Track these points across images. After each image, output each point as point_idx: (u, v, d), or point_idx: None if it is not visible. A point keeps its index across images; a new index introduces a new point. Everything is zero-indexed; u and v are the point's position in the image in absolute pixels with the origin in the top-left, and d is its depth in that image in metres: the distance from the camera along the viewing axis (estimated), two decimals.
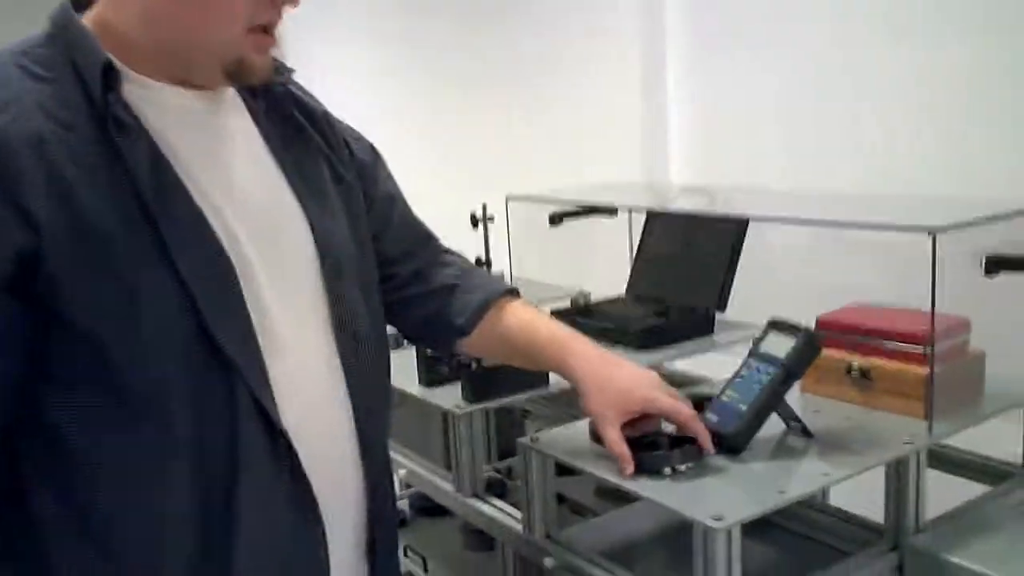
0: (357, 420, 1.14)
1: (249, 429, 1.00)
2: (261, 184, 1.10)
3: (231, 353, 0.98)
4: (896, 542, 1.38)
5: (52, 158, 0.92)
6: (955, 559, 1.30)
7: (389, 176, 1.35)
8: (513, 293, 1.39)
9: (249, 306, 1.02)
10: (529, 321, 1.37)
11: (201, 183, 1.01)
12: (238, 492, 0.99)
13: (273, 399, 1.02)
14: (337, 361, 1.12)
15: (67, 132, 0.94)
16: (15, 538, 0.99)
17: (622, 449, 1.27)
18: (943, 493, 1.52)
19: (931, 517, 1.42)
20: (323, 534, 1.08)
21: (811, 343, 1.35)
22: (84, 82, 0.96)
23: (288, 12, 1.04)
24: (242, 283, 1.01)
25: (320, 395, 1.10)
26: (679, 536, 1.54)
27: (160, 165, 0.98)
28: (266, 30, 1.03)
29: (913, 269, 1.41)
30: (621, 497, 1.93)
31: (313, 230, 1.12)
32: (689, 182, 2.66)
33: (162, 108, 1.01)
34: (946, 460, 1.64)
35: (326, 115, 1.24)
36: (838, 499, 1.64)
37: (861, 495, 1.51)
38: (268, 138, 1.14)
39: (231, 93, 1.11)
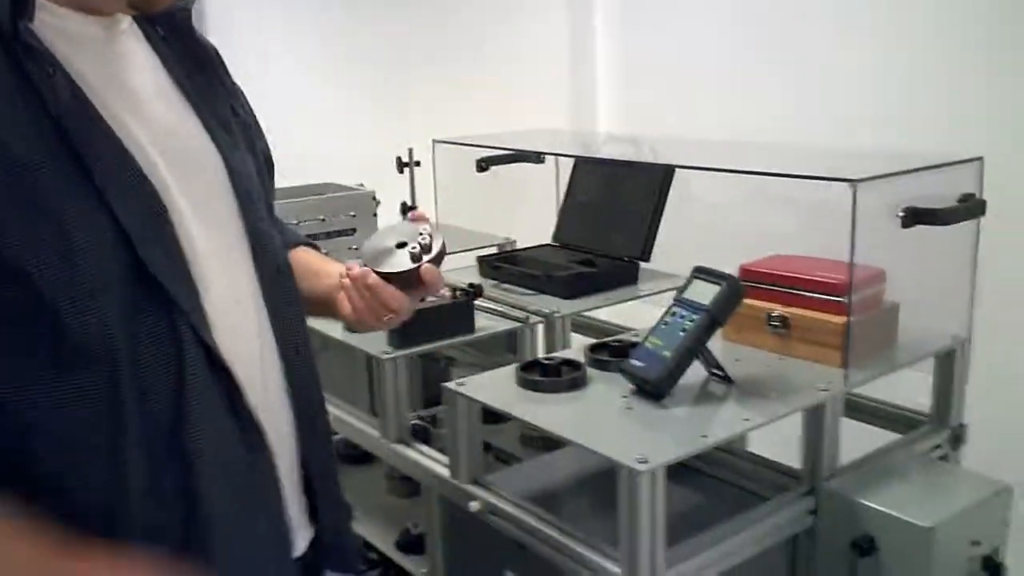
0: (285, 355, 1.12)
1: (195, 366, 0.97)
2: (169, 114, 1.06)
3: (168, 286, 0.95)
4: (812, 486, 1.43)
5: None
6: (867, 502, 1.35)
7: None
8: (311, 245, 1.37)
9: (179, 236, 0.98)
10: (309, 260, 1.32)
11: (115, 112, 0.97)
12: (189, 430, 0.97)
13: (211, 334, 1.00)
14: (260, 294, 1.10)
15: None
16: None
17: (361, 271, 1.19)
18: (856, 441, 1.57)
19: (844, 463, 1.46)
20: (274, 464, 1.07)
21: (735, 290, 1.37)
22: None
23: None
24: (170, 215, 0.98)
25: (250, 329, 1.08)
26: (604, 480, 1.57)
27: (75, 94, 0.94)
28: None
29: (833, 221, 1.44)
30: (546, 446, 1.96)
31: (225, 162, 1.09)
32: (617, 131, 2.66)
33: (67, 36, 0.96)
34: (859, 408, 1.69)
35: (218, 52, 1.21)
36: (756, 446, 1.68)
37: (779, 442, 1.55)
38: (169, 67, 1.10)
39: (128, 20, 1.07)
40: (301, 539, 1.16)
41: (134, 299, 0.94)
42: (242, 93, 1.24)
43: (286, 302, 1.14)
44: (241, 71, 1.27)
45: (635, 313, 1.98)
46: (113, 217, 0.92)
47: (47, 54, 0.93)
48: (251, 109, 1.26)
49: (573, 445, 1.31)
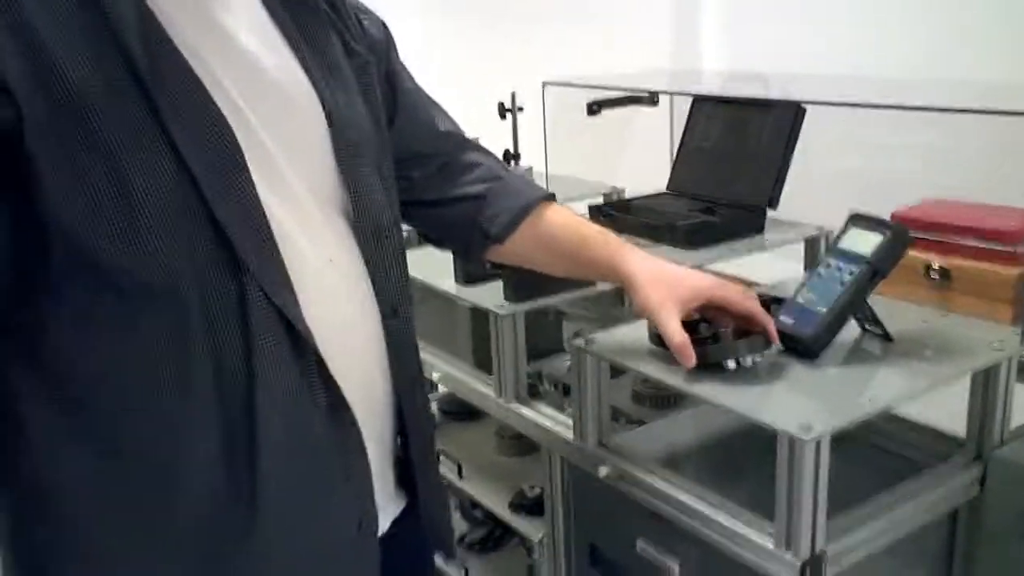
0: (384, 317, 1.03)
1: (265, 329, 0.89)
2: (265, 55, 0.95)
3: (236, 241, 0.86)
4: (979, 453, 1.30)
5: (17, 6, 0.78)
6: None
7: (400, 60, 1.21)
8: (551, 197, 1.28)
9: (259, 188, 0.89)
10: (575, 223, 1.27)
11: (198, 50, 0.87)
12: (258, 395, 0.89)
13: (293, 296, 0.91)
14: (357, 253, 1.01)
15: None
16: (14, 457, 0.90)
17: (683, 338, 1.16)
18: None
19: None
20: (360, 440, 0.99)
21: (901, 238, 1.24)
22: None
23: None
24: (250, 165, 0.89)
25: (342, 292, 0.99)
26: (740, 443, 1.47)
27: (150, 25, 0.84)
28: None
29: (983, 161, 1.29)
30: (661, 404, 1.86)
31: (325, 107, 0.98)
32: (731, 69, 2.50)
33: None
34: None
35: None
36: (907, 408, 1.55)
37: (931, 405, 1.43)
38: (273, 12, 1.00)
39: None
40: (387, 516, 1.08)
41: (202, 250, 0.85)
42: (359, 16, 1.12)
43: (386, 262, 1.04)
44: None
45: (760, 265, 1.85)
46: (179, 159, 0.83)
47: None
48: (377, 33, 1.15)
49: (702, 405, 1.20)
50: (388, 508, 1.09)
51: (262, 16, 0.99)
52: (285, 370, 0.91)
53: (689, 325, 1.20)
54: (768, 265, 1.83)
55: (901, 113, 1.57)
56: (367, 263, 1.02)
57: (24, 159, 0.79)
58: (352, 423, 0.98)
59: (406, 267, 1.11)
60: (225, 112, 0.87)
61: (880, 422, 1.43)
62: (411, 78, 1.22)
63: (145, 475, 0.89)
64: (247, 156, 0.88)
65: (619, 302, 2.03)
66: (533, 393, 1.68)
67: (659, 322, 1.18)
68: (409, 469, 1.12)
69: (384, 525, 1.07)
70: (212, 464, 0.89)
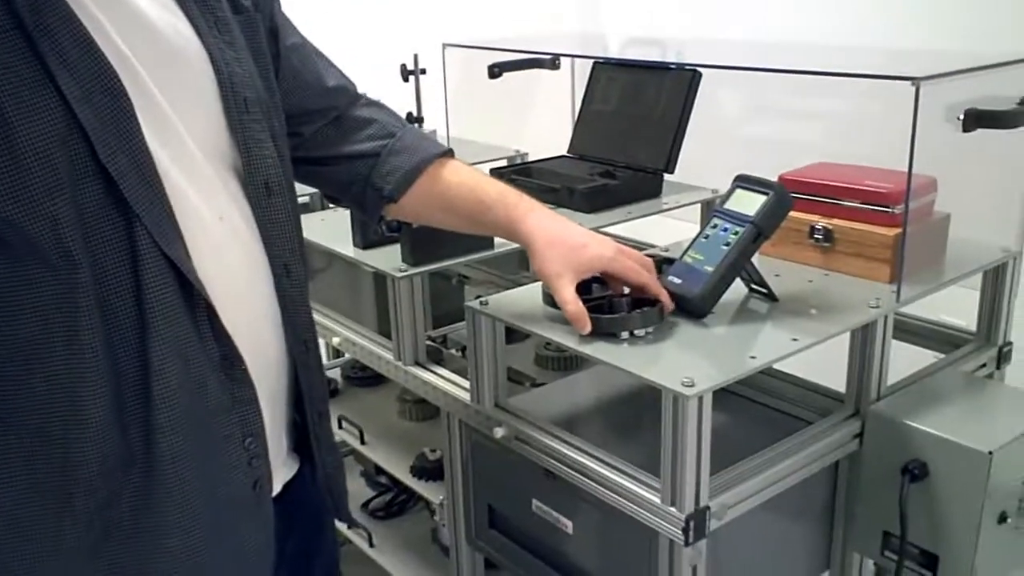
0: (276, 277, 1.03)
1: (156, 281, 0.87)
2: (152, 9, 0.93)
3: (126, 191, 0.84)
4: (857, 408, 1.35)
5: None
6: (919, 425, 1.27)
7: (284, 14, 1.18)
8: (448, 154, 1.27)
9: (149, 141, 0.87)
10: (474, 181, 1.27)
11: (82, 1, 0.85)
12: (151, 346, 0.88)
13: (185, 249, 0.90)
14: (248, 211, 1.00)
15: None
16: None
17: (577, 307, 1.19)
18: (897, 360, 1.48)
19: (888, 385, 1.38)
20: (254, 396, 0.98)
21: (783, 200, 1.27)
22: None
23: None
24: (140, 117, 0.87)
25: (234, 249, 0.98)
26: (633, 403, 1.49)
27: None
28: None
29: (875, 125, 1.32)
30: (563, 366, 1.88)
31: (214, 63, 0.97)
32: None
33: None
34: (901, 327, 1.60)
35: None
36: (790, 366, 1.60)
37: (812, 362, 1.47)
38: None
39: None
40: (279, 479, 1.08)
41: (91, 202, 0.84)
42: None
43: (278, 220, 1.03)
44: None
45: (658, 228, 1.88)
46: (68, 108, 0.81)
47: None
48: (270, 2, 1.13)
49: (598, 365, 1.22)
50: (281, 471, 1.09)
51: None
52: (178, 321, 0.89)
53: (583, 285, 1.22)
54: (665, 227, 1.86)
55: (804, 79, 1.60)
56: (258, 221, 1.01)
57: None
58: (245, 379, 0.97)
59: (299, 227, 1.10)
60: (113, 63, 0.85)
61: (765, 380, 1.47)
62: (297, 32, 1.20)
63: (36, 440, 0.87)
64: (136, 108, 0.86)
65: (523, 266, 2.04)
66: (437, 359, 1.68)
67: (554, 289, 1.20)
68: (304, 432, 1.11)
69: (276, 487, 1.06)
70: (106, 425, 0.87)
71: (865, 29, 2.05)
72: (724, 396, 1.44)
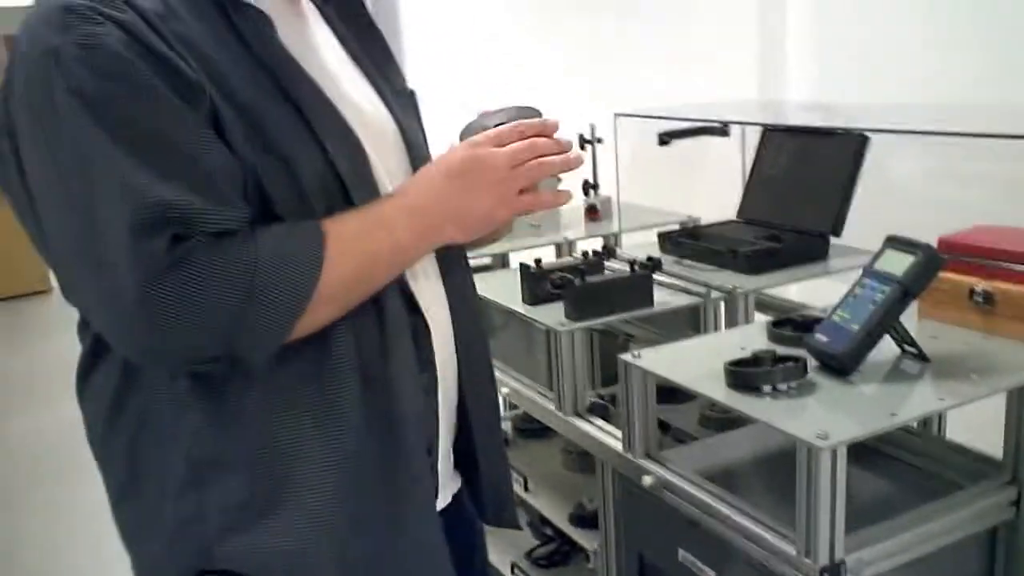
0: (452, 310, 1.15)
1: (394, 304, 1.03)
2: (351, 86, 1.10)
3: None
4: (1015, 475, 1.31)
5: (188, 34, 0.93)
6: None
7: None
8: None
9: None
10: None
11: (315, 77, 1.03)
12: (391, 362, 1.03)
13: (405, 274, 1.06)
14: (433, 254, 1.13)
15: (193, 14, 0.95)
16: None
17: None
18: None
19: None
20: (438, 422, 1.12)
21: (931, 259, 1.27)
22: None
23: None
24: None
25: (430, 284, 1.12)
26: (785, 460, 1.50)
27: (287, 52, 1.00)
28: None
29: None
30: (724, 426, 1.90)
31: (402, 131, 1.12)
32: (807, 100, 2.53)
33: (265, 6, 1.01)
34: None
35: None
36: (953, 431, 1.56)
37: (974, 428, 1.44)
38: (345, 43, 1.15)
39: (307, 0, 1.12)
40: (445, 494, 1.18)
41: None
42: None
43: (454, 261, 1.17)
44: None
45: (825, 291, 1.88)
46: (329, 163, 0.98)
47: (258, 10, 0.99)
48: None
49: (752, 422, 1.26)
50: (448, 485, 1.19)
51: (342, 53, 1.15)
52: (405, 341, 1.05)
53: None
54: (832, 290, 1.86)
55: (971, 140, 1.59)
56: (440, 263, 1.14)
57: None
58: (438, 392, 1.11)
59: (468, 267, 1.23)
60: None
61: (918, 441, 1.45)
62: None
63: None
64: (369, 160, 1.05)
65: (690, 326, 2.08)
66: (603, 415, 1.75)
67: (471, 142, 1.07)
68: (469, 447, 1.21)
69: (442, 502, 1.16)
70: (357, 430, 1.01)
71: None
72: (872, 454, 1.44)
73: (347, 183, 0.99)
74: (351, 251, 0.96)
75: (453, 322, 1.14)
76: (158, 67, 0.89)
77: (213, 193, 0.90)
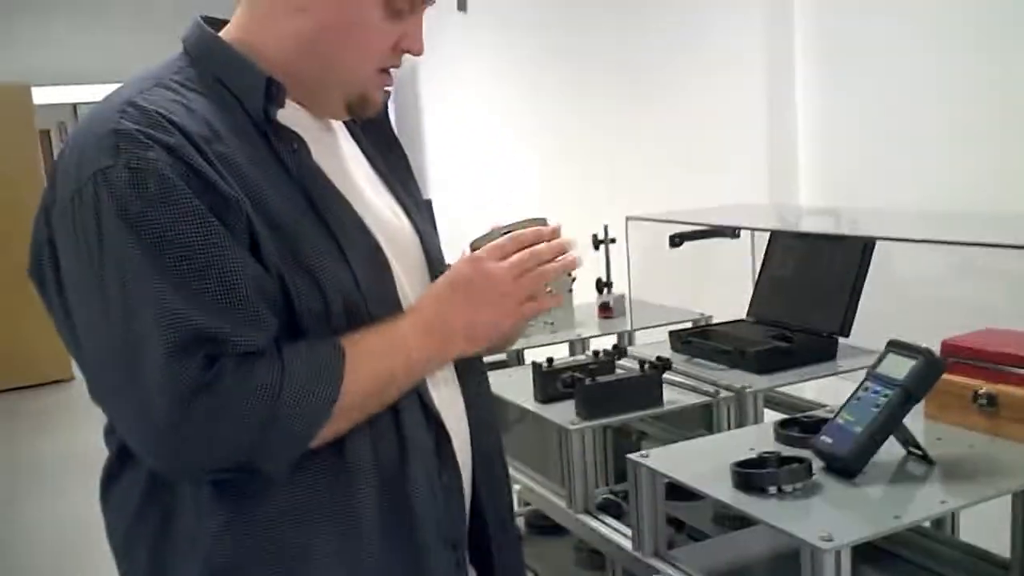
0: (468, 411, 1.19)
1: (411, 409, 1.07)
2: (377, 199, 1.17)
3: None
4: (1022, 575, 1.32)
5: (231, 155, 0.99)
6: None
7: None
8: None
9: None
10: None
11: (344, 191, 1.09)
12: (408, 470, 1.07)
13: (424, 382, 1.10)
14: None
15: (235, 137, 1.01)
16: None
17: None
18: None
19: None
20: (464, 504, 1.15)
21: (932, 364, 1.30)
22: (236, 97, 1.04)
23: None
24: None
25: (447, 388, 1.16)
26: (793, 562, 1.51)
27: (321, 174, 1.07)
28: (388, 71, 1.11)
29: None
30: (739, 524, 1.90)
31: (422, 242, 1.19)
32: (817, 204, 2.60)
33: (301, 127, 1.08)
34: None
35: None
36: (964, 533, 1.57)
37: (988, 525, 1.45)
38: (370, 157, 1.22)
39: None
40: None
41: None
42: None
43: (469, 360, 1.20)
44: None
45: (834, 390, 1.90)
46: (356, 282, 1.04)
47: (292, 131, 1.05)
48: None
49: (759, 522, 1.27)
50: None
51: (368, 167, 1.21)
52: (425, 448, 1.09)
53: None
54: (843, 390, 1.88)
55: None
56: (456, 364, 1.18)
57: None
58: (462, 492, 1.14)
59: (483, 369, 1.27)
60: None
61: (926, 542, 1.46)
62: None
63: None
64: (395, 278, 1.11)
65: (702, 425, 2.10)
66: (616, 513, 1.77)
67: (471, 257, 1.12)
68: (484, 542, 1.23)
69: None
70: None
71: None
72: (880, 556, 1.44)
73: (369, 302, 1.05)
74: (369, 370, 1.02)
75: (469, 423, 1.18)
76: (200, 186, 0.95)
77: (244, 315, 0.95)
